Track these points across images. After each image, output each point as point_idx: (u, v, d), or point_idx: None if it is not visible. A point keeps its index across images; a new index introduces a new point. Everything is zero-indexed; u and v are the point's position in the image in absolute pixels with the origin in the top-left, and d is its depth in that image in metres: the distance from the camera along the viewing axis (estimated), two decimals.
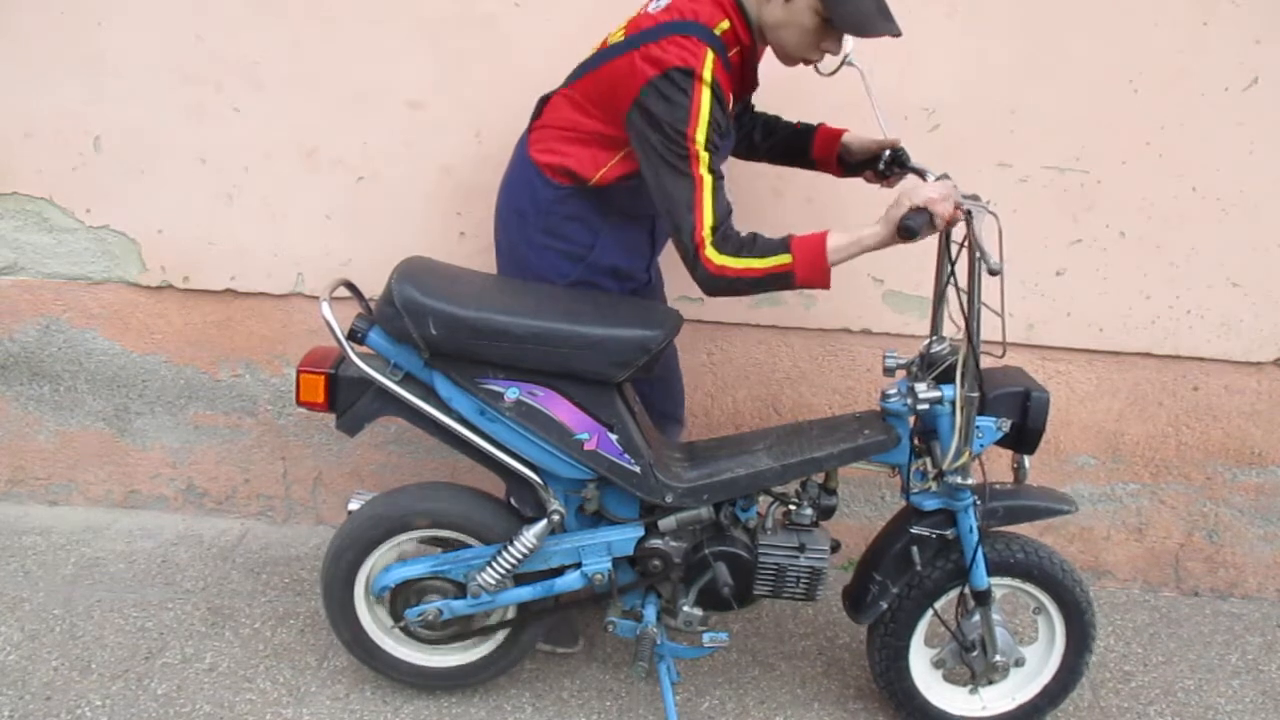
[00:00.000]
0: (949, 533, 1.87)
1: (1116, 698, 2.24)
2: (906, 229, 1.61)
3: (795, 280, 1.68)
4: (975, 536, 1.84)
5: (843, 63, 1.84)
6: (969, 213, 1.64)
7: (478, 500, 1.94)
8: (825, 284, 1.68)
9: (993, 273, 1.57)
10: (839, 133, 2.04)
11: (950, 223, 1.67)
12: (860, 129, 2.04)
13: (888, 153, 1.95)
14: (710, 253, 1.67)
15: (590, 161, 1.84)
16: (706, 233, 1.66)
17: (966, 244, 1.67)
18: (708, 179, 1.66)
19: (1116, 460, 2.58)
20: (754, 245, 1.68)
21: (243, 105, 2.40)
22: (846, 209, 2.34)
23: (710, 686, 2.19)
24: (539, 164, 1.88)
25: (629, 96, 1.69)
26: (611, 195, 1.87)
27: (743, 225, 1.68)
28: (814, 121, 2.10)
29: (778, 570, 1.90)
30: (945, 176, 1.79)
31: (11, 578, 2.43)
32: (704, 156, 1.65)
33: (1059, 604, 1.95)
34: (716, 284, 1.70)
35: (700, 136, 1.64)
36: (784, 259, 1.67)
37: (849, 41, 1.82)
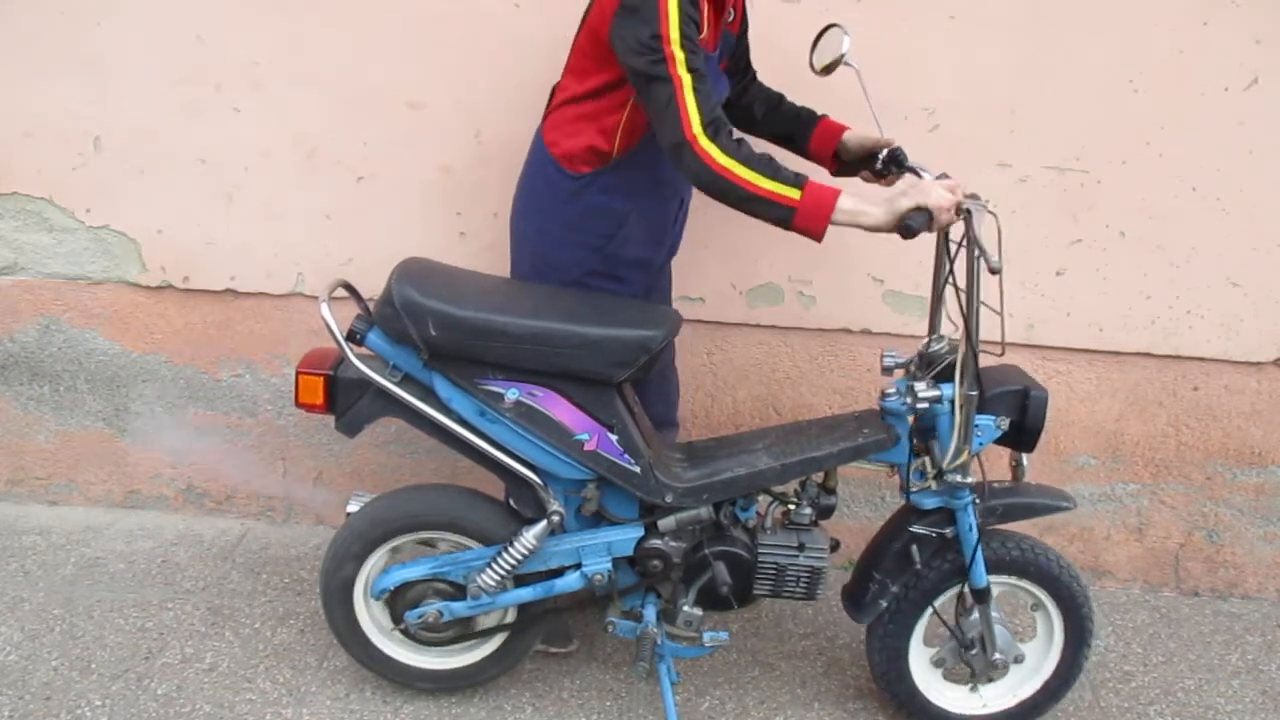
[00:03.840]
0: (948, 531, 1.87)
1: (1116, 698, 2.24)
2: (907, 228, 1.62)
3: (794, 219, 1.64)
4: (975, 535, 1.84)
5: (838, 62, 1.84)
6: (968, 212, 1.64)
7: (477, 501, 1.94)
8: (819, 236, 1.66)
9: (993, 271, 1.57)
10: (840, 129, 2.03)
11: (948, 224, 1.68)
12: (860, 128, 2.03)
13: (885, 151, 1.94)
14: (708, 146, 1.63)
15: (603, 132, 1.83)
16: (697, 129, 1.62)
17: (965, 243, 1.67)
18: (687, 78, 1.63)
19: (1116, 460, 2.58)
20: (768, 164, 1.65)
21: (243, 105, 2.40)
22: None
23: (710, 686, 2.19)
24: (557, 155, 1.88)
25: (608, 28, 1.70)
26: (633, 169, 1.86)
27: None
28: (819, 110, 2.08)
29: (777, 570, 1.90)
30: (945, 175, 1.79)
31: (11, 578, 2.43)
32: (680, 56, 1.63)
33: (1056, 599, 1.96)
34: (713, 180, 1.64)
35: (674, 34, 1.63)
36: (793, 193, 1.63)
37: (845, 41, 1.82)
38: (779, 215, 1.65)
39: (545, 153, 1.91)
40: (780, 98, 2.12)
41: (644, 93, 1.68)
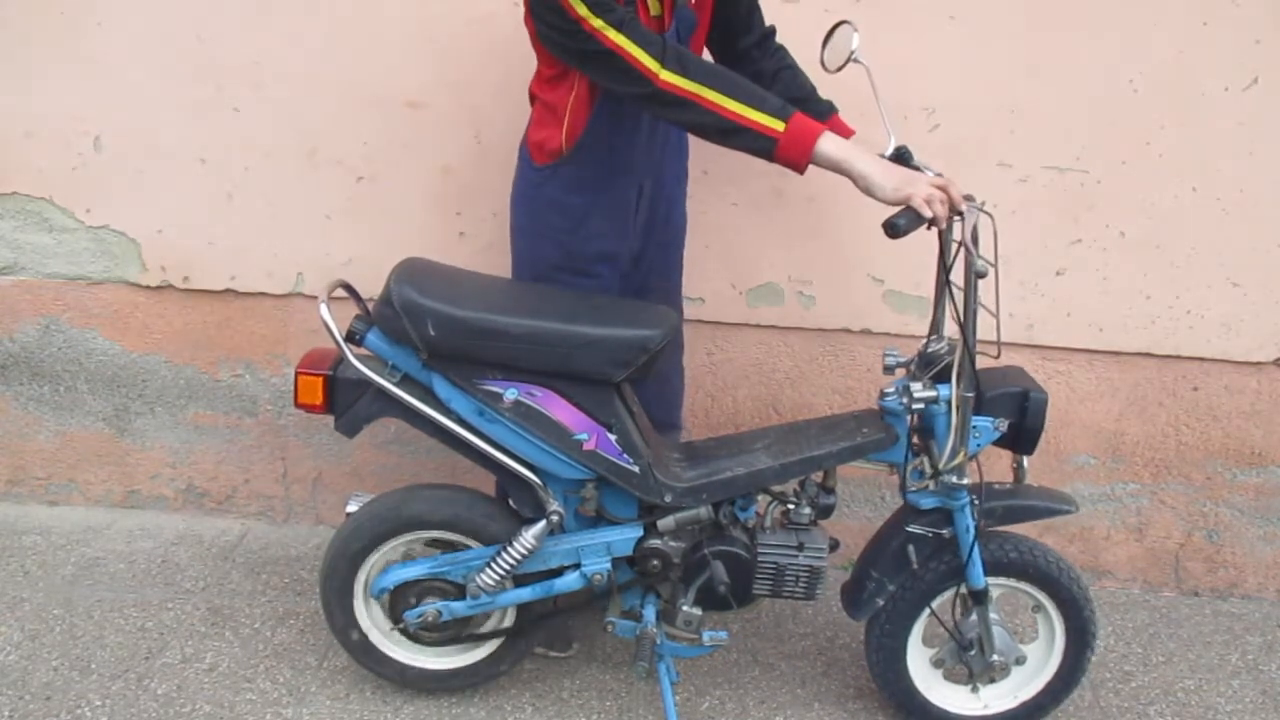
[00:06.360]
0: (945, 532, 1.87)
1: (1116, 698, 2.24)
2: (894, 226, 1.60)
3: (776, 150, 1.63)
4: (971, 536, 1.84)
5: (848, 59, 1.84)
6: (961, 213, 1.63)
7: (477, 501, 1.94)
8: (800, 169, 1.66)
9: (978, 275, 1.56)
10: (847, 134, 1.99)
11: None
12: (864, 128, 2.01)
13: (890, 150, 1.92)
14: (674, 79, 1.62)
15: (555, 121, 1.85)
16: (657, 70, 1.62)
17: (960, 245, 1.66)
18: (621, 38, 1.62)
19: (1116, 460, 2.58)
20: (749, 93, 1.63)
21: (243, 105, 2.40)
22: (850, 210, 2.35)
23: (710, 686, 2.19)
24: (529, 147, 1.92)
25: (531, 25, 1.74)
26: (587, 164, 1.87)
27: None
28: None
29: (777, 569, 1.90)
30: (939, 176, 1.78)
31: (11, 578, 2.43)
32: (599, 23, 1.61)
33: (1056, 601, 1.95)
34: (695, 115, 1.64)
35: (583, 12, 1.61)
36: (776, 124, 1.62)
37: (855, 38, 1.82)
38: (762, 146, 1.64)
39: (524, 145, 1.95)
40: (794, 71, 2.05)
41: (595, 73, 1.70)
